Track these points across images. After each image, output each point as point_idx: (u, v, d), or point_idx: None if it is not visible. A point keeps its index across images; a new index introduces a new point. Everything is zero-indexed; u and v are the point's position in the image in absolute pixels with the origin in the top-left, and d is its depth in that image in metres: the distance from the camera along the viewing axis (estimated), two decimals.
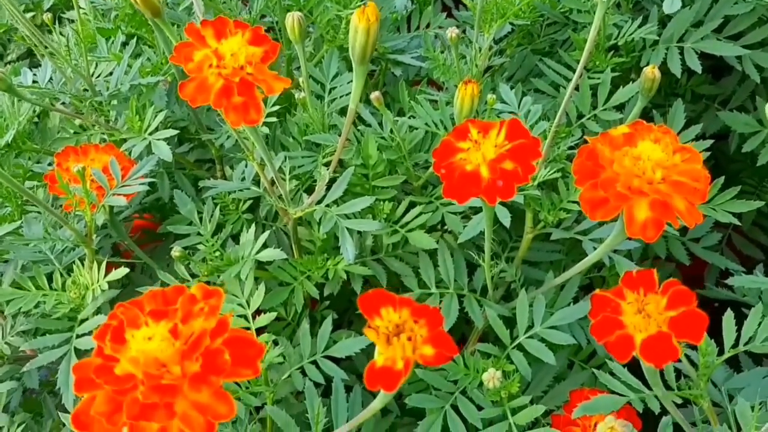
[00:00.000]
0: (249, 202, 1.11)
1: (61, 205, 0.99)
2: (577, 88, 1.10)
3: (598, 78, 1.14)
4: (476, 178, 0.71)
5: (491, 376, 0.76)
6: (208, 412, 0.54)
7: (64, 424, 0.91)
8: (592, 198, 0.76)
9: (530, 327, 0.91)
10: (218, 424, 0.54)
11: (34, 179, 1.07)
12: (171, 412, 0.53)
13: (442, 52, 1.10)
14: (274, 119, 0.99)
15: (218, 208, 1.00)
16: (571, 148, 1.06)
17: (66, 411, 0.88)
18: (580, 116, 1.13)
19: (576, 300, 1.01)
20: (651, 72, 0.96)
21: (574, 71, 1.16)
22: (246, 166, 1.03)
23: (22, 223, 0.91)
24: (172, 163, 1.17)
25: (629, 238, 0.76)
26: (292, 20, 0.87)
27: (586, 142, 1.00)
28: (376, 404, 0.63)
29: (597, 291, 0.61)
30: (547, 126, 1.04)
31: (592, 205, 0.76)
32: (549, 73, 1.17)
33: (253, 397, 0.87)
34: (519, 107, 1.07)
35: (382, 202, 1.01)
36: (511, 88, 1.09)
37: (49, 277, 0.85)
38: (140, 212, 1.25)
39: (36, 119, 1.18)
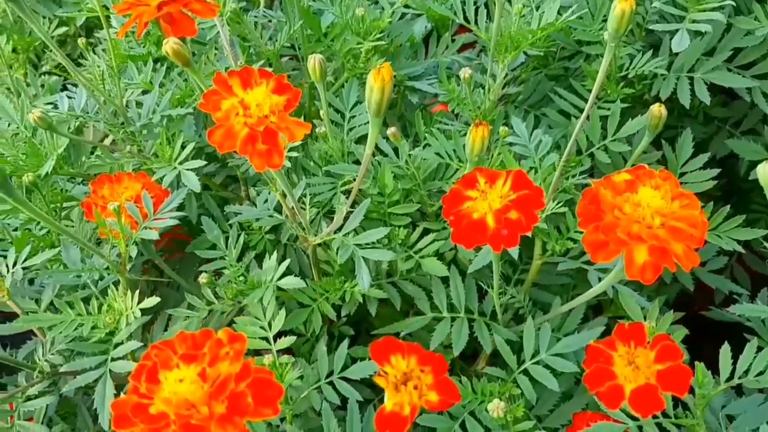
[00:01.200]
0: (272, 224, 1.16)
1: (95, 228, 1.06)
2: (588, 118, 1.14)
3: (608, 108, 1.18)
4: (483, 226, 0.76)
5: (496, 407, 0.81)
6: None
7: None
8: (594, 241, 0.81)
9: (536, 353, 0.96)
10: None
11: (71, 200, 1.14)
12: None
13: (458, 84, 1.14)
14: (295, 154, 1.04)
15: (243, 232, 1.06)
16: (581, 173, 1.11)
17: None
18: (590, 146, 1.17)
19: (585, 318, 1.05)
20: (657, 110, 0.99)
21: (585, 100, 1.20)
22: (269, 192, 1.09)
23: (60, 250, 0.97)
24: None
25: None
26: (313, 62, 0.92)
27: (592, 175, 1.04)
28: None
29: (591, 342, 0.66)
30: (556, 159, 1.08)
31: (593, 247, 0.80)
32: (560, 102, 1.21)
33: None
34: (530, 139, 1.11)
35: (397, 229, 1.06)
36: (525, 114, 1.14)
37: (86, 301, 0.91)
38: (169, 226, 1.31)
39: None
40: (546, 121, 1.23)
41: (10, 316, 1.02)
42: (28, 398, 0.93)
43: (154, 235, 0.91)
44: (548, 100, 1.24)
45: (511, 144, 1.09)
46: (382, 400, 1.11)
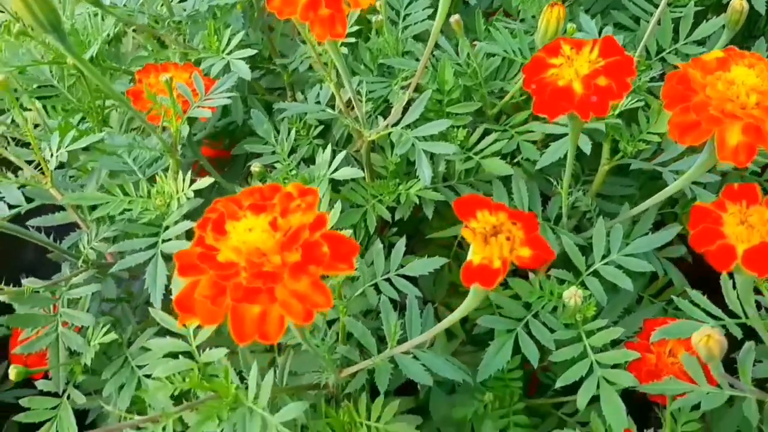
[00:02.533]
0: (320, 129, 1.11)
1: (135, 128, 1.01)
2: (659, 23, 1.07)
3: (681, 12, 1.11)
4: (569, 93, 0.70)
5: (573, 294, 0.75)
6: (306, 301, 0.55)
7: (143, 330, 0.94)
8: (682, 122, 0.75)
9: (606, 255, 0.90)
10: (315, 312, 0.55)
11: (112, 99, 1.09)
12: (272, 297, 0.54)
13: None
14: (352, 39, 0.98)
15: (293, 130, 1.00)
16: (651, 80, 1.04)
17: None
18: (660, 51, 1.10)
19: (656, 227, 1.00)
20: (739, 4, 0.92)
21: (654, 5, 1.12)
22: (321, 88, 1.04)
23: (104, 135, 0.92)
24: (245, 88, 1.18)
25: (709, 171, 0.75)
26: None
27: (676, 68, 0.98)
28: (470, 303, 0.64)
29: (697, 203, 0.60)
30: None
31: (681, 129, 0.75)
32: (630, 6, 1.14)
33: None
34: (599, 37, 1.04)
35: (455, 129, 1.00)
36: (591, 17, 1.07)
37: (135, 186, 0.87)
38: (210, 138, 1.26)
39: (107, 45, 1.20)
40: (614, 28, 1.16)
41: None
42: (73, 286, 0.89)
43: (207, 113, 0.85)
44: (618, 4, 1.17)
45: None
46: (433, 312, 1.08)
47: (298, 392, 0.82)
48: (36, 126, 1.12)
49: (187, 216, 0.83)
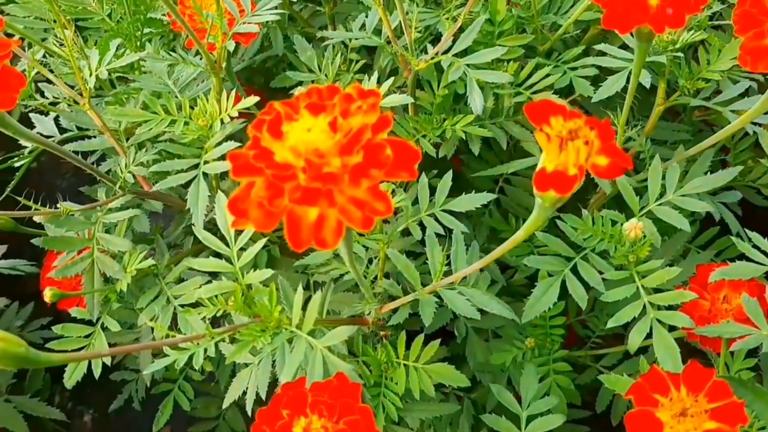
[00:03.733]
0: (361, 64, 1.07)
1: (179, 46, 0.97)
2: None
3: None
4: (643, 4, 0.65)
5: (633, 225, 0.72)
6: (366, 208, 0.52)
7: (178, 262, 0.92)
8: (755, 48, 0.71)
9: (662, 194, 0.86)
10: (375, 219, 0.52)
11: (151, 26, 1.06)
12: (332, 200, 0.51)
13: None
14: None
15: (338, 55, 0.97)
16: (711, 18, 0.99)
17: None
18: None
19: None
20: None
21: None
22: (366, 16, 0.99)
23: (144, 55, 0.89)
24: (285, 20, 1.14)
25: None
26: None
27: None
28: (535, 219, 0.60)
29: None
30: None
31: (755, 55, 0.71)
32: None
33: (372, 243, 0.85)
34: None
35: (506, 62, 0.96)
36: None
37: (177, 107, 0.84)
38: (246, 74, 1.23)
39: None
40: None
41: None
42: (110, 210, 0.87)
43: (254, 29, 0.82)
44: None
45: None
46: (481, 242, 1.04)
47: (339, 324, 0.79)
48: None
49: (231, 137, 0.80)
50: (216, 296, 0.68)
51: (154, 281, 0.89)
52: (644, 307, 0.78)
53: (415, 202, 0.89)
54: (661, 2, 0.65)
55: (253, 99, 0.79)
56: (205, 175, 0.78)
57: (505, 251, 0.69)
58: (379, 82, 1.10)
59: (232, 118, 0.79)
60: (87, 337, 0.86)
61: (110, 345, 0.87)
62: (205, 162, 0.79)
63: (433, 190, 0.89)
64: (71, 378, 0.84)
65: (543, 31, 1.00)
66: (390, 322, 0.80)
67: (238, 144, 0.77)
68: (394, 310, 0.81)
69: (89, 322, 0.87)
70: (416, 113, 1.01)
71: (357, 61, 1.07)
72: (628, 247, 0.80)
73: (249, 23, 0.82)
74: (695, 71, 0.93)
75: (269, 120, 0.56)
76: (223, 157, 0.77)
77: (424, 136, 0.98)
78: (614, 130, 0.54)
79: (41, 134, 0.91)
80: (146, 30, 1.04)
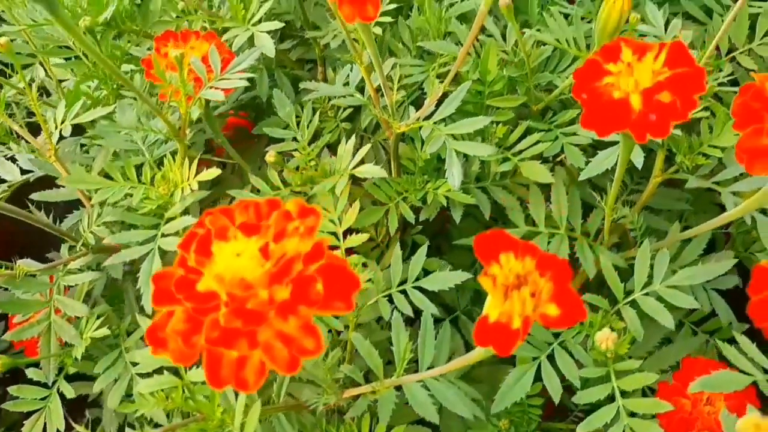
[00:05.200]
0: (349, 111, 1.03)
1: (157, 94, 0.94)
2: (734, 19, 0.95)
3: (759, 6, 0.98)
4: (625, 108, 0.60)
5: (606, 337, 0.67)
6: (293, 346, 0.48)
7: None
8: (754, 147, 0.66)
9: (648, 283, 0.81)
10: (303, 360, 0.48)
11: (132, 63, 1.02)
12: (254, 341, 0.47)
13: None
14: (388, 19, 0.89)
15: (317, 114, 0.92)
16: (719, 85, 0.93)
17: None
18: (731, 50, 0.98)
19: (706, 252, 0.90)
20: None
21: None
22: (351, 70, 0.95)
23: (115, 108, 0.86)
24: (272, 60, 1.10)
25: None
26: None
27: (736, 83, 0.86)
28: (474, 356, 0.56)
29: (762, 262, 0.51)
30: (696, 57, 0.90)
31: (752, 155, 0.66)
32: None
33: (335, 320, 0.81)
34: (666, 31, 0.93)
35: (495, 125, 0.91)
36: (659, 6, 0.95)
37: (138, 170, 0.80)
38: (236, 109, 1.19)
39: (138, 1, 1.12)
40: (682, 19, 1.04)
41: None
42: (70, 272, 0.84)
43: (220, 96, 0.78)
44: None
45: (641, 36, 0.92)
46: (454, 321, 1.00)
47: (296, 409, 0.76)
48: (61, 82, 1.07)
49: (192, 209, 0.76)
50: (156, 392, 0.65)
51: (115, 342, 0.86)
52: (618, 411, 0.74)
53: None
54: (645, 108, 0.59)
55: (215, 172, 0.75)
56: (161, 250, 0.75)
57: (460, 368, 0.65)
58: (366, 131, 1.06)
59: (192, 190, 0.75)
60: (43, 399, 0.84)
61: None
62: (164, 235, 0.75)
63: (415, 247, 0.85)
64: None
65: (537, 90, 0.94)
66: (348, 413, 0.76)
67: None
68: (356, 397, 0.77)
69: (45, 385, 0.84)
70: (399, 171, 0.96)
71: (345, 108, 1.03)
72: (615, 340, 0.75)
73: (216, 88, 0.78)
74: (695, 145, 0.87)
75: (198, 238, 0.52)
76: (180, 233, 0.74)
77: (405, 199, 0.93)
78: (571, 272, 0.49)
79: (4, 180, 0.88)
80: (125, 66, 1.01)
